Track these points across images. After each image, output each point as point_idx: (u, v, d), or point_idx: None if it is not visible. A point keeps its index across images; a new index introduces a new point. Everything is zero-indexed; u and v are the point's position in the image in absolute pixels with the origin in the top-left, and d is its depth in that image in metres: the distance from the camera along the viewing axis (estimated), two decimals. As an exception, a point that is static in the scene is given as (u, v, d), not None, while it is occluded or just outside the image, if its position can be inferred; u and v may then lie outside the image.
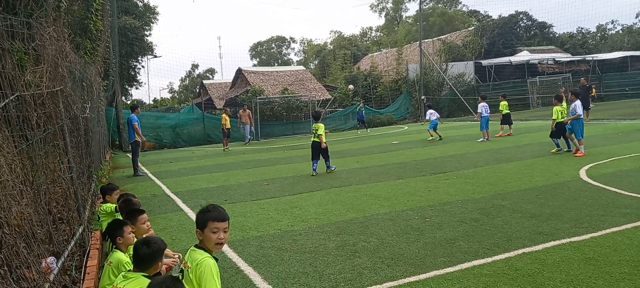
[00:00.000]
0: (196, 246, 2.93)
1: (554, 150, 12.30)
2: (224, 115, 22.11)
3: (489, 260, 4.88)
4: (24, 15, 4.76)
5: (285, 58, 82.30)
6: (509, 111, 18.06)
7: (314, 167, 11.46)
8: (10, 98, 3.97)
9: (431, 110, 18.86)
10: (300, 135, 27.04)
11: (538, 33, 50.15)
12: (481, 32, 42.57)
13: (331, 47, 64.54)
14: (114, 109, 22.34)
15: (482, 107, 17.53)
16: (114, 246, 4.04)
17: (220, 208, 2.98)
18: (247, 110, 23.76)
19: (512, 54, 41.76)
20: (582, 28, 53.33)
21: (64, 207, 5.36)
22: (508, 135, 17.68)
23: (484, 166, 11.04)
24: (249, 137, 23.67)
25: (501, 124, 18.05)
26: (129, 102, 33.53)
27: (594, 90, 27.24)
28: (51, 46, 5.20)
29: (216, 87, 39.68)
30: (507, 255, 4.98)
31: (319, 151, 11.54)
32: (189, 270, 2.83)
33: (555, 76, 36.17)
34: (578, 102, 11.83)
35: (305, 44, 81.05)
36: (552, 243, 5.27)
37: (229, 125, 21.63)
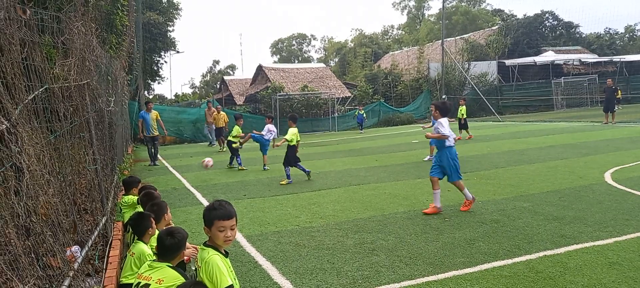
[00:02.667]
0: (205, 243, 2.93)
1: (284, 182, 10.24)
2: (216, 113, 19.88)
3: (509, 261, 4.81)
4: (53, 9, 4.89)
5: (306, 55, 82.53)
6: (466, 116, 18.29)
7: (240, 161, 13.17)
8: (40, 90, 4.07)
9: (271, 126, 12.83)
10: (319, 132, 27.08)
11: (564, 33, 49.10)
12: (505, 32, 41.85)
13: (352, 44, 64.43)
14: (137, 103, 22.74)
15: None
16: (137, 237, 4.13)
17: (226, 205, 2.93)
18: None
19: (536, 54, 41.01)
20: (609, 28, 52.16)
21: (88, 198, 5.48)
22: (469, 138, 17.95)
23: (505, 167, 10.88)
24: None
25: (460, 129, 18.17)
26: (150, 97, 34.03)
27: (619, 92, 26.56)
28: (79, 40, 5.31)
29: (237, 83, 40.00)
30: (527, 257, 4.91)
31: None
32: (199, 269, 2.86)
33: (581, 77, 35.40)
34: (442, 120, 7.11)
35: (326, 42, 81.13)
36: (575, 246, 5.17)
37: (220, 124, 19.89)
